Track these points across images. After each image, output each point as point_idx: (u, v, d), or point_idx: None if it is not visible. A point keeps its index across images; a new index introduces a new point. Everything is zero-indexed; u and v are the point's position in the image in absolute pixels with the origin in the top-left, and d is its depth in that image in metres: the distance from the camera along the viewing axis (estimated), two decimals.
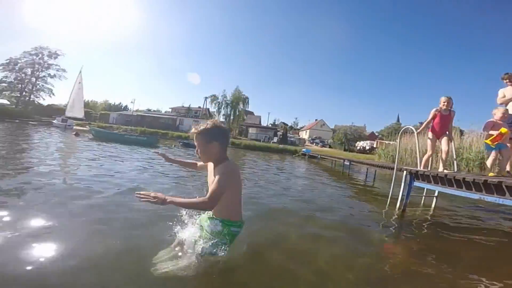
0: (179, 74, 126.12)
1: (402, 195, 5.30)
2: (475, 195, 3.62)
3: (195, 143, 2.10)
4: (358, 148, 38.09)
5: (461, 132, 14.28)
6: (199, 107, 52.01)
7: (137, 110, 49.93)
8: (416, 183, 5.02)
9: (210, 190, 1.89)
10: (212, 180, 1.98)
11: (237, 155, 19.55)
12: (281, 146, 32.52)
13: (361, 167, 15.31)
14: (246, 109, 49.87)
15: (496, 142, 4.25)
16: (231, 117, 47.78)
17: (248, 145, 31.20)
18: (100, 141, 16.97)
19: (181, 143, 23.68)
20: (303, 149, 29.41)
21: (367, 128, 62.44)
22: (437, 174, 4.43)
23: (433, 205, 5.69)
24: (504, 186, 3.15)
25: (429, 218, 5.17)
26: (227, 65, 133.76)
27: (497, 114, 4.50)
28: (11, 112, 35.37)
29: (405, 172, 5.27)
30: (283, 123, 67.67)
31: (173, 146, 22.08)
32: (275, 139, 39.97)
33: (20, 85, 43.20)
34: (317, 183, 9.27)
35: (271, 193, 6.04)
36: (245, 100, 48.15)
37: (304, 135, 55.21)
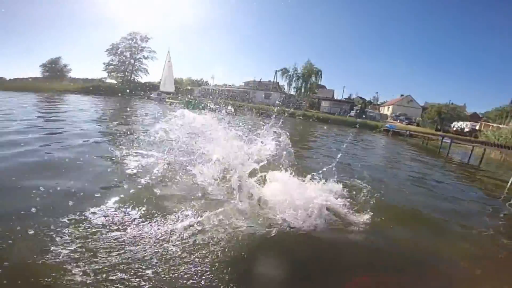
0: (251, 50, 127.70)
1: None
2: None
3: None
4: (454, 128, 32.43)
5: None
6: (269, 80, 52.57)
7: (215, 85, 53.92)
8: None
9: None
10: None
11: (311, 126, 19.59)
12: (359, 120, 30.44)
13: (459, 149, 13.46)
14: (319, 82, 47.96)
15: None
16: (302, 90, 46.81)
17: (322, 118, 30.20)
18: (190, 109, 20.09)
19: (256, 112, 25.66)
20: (386, 125, 26.95)
21: (467, 108, 51.97)
22: None
23: None
24: None
25: None
26: (299, 38, 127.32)
27: None
28: (118, 89, 43.03)
29: None
30: (360, 97, 61.98)
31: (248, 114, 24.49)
32: (352, 113, 37.15)
33: (122, 67, 51.41)
34: (413, 159, 8.58)
35: (373, 165, 5.91)
36: (318, 73, 46.20)
37: (386, 111, 49.67)
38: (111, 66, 51.32)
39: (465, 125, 31.89)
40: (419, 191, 3.75)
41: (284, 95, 47.67)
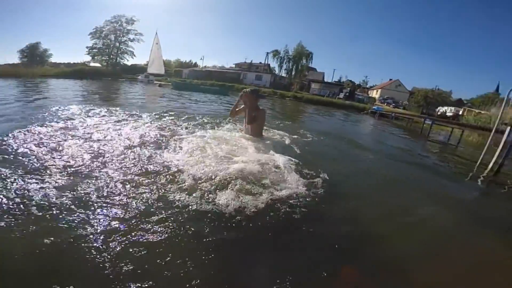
0: (242, 32, 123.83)
1: (497, 156, 4.87)
2: None
3: (244, 99, 3.77)
4: (438, 113, 33.41)
5: None
6: (260, 62, 52.00)
7: (205, 66, 52.79)
8: None
9: (258, 128, 3.74)
10: (251, 117, 3.64)
11: (296, 108, 20.18)
12: (347, 102, 30.79)
13: (441, 131, 14.14)
14: (310, 65, 47.81)
15: None
16: (293, 72, 46.74)
17: (311, 99, 30.60)
18: (180, 90, 21.23)
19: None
20: (373, 107, 27.48)
21: (453, 94, 53.15)
22: None
23: None
24: None
25: None
26: (291, 20, 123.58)
27: None
28: (104, 72, 41.45)
29: (508, 129, 4.75)
30: (350, 80, 62.16)
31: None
32: (341, 95, 37.41)
33: (107, 50, 49.60)
34: (395, 140, 9.10)
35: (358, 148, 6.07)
36: (309, 56, 45.85)
37: (375, 94, 50.27)
38: (95, 50, 49.54)
39: (449, 110, 32.84)
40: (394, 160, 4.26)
41: (274, 77, 47.47)
